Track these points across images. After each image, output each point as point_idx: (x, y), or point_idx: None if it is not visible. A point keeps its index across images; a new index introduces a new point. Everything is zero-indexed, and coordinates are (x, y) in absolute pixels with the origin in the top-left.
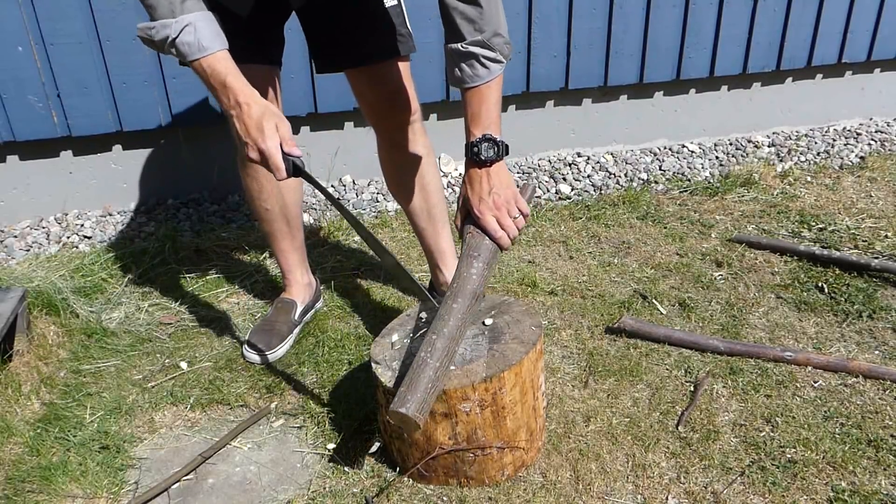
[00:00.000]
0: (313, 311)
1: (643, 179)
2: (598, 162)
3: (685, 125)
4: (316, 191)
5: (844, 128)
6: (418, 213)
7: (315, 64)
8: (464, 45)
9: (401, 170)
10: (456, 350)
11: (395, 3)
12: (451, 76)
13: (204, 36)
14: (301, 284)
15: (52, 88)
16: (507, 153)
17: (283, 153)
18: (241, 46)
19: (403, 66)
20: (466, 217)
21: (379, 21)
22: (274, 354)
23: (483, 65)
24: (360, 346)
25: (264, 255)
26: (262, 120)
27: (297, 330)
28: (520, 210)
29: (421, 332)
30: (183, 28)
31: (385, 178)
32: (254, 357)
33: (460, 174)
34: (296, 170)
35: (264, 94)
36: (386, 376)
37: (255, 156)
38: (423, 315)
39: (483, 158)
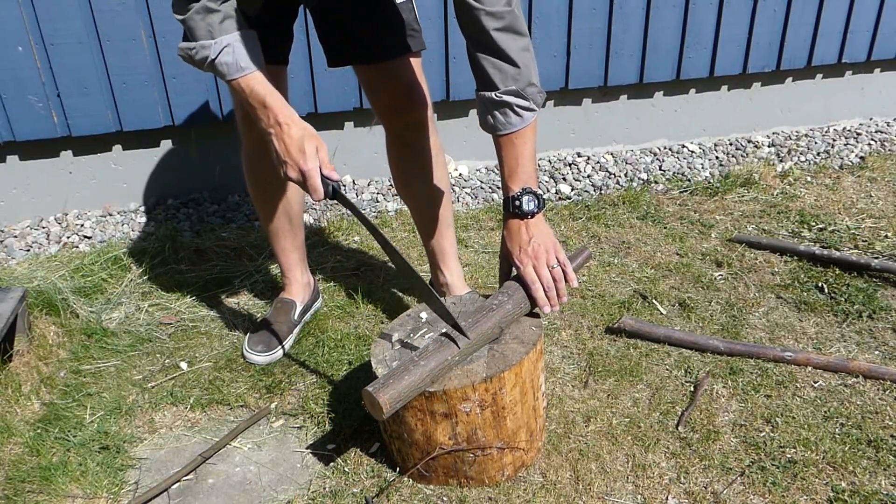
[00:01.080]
0: (312, 310)
1: (643, 179)
2: (598, 162)
3: (685, 125)
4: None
5: (844, 128)
6: (424, 212)
7: (327, 59)
8: (497, 95)
9: (410, 168)
10: (451, 369)
11: None
12: (484, 123)
13: (241, 56)
14: (300, 284)
15: (52, 88)
16: (545, 206)
17: (322, 176)
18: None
19: (416, 63)
20: (509, 273)
21: (390, 18)
22: (274, 354)
23: (517, 113)
24: (360, 346)
25: (264, 255)
26: (304, 142)
27: (296, 330)
28: (559, 261)
29: (421, 332)
30: (222, 49)
31: (393, 177)
32: (254, 357)
33: (460, 174)
34: (334, 193)
35: (278, 83)
36: None
37: (294, 175)
38: (424, 315)
39: (525, 211)
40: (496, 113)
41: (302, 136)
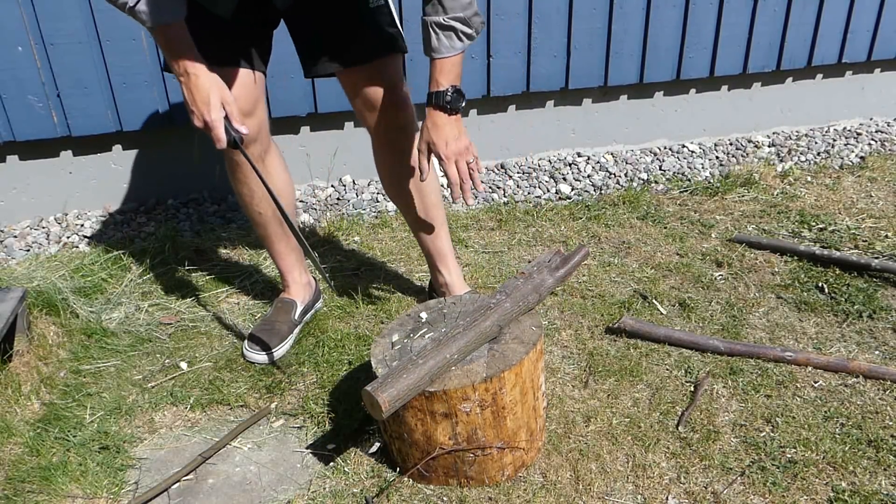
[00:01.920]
0: (313, 310)
1: (643, 179)
2: (598, 162)
3: (685, 125)
4: (316, 191)
5: (844, 128)
6: (416, 214)
7: (303, 69)
8: (446, 19)
9: (397, 171)
10: (451, 368)
11: (382, 2)
12: (427, 46)
13: (161, 6)
14: (300, 284)
15: (52, 88)
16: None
17: (228, 127)
18: (221, 48)
19: (394, 66)
20: (429, 160)
21: (364, 21)
22: (275, 354)
23: (460, 38)
24: (360, 346)
25: (264, 255)
26: (209, 93)
27: (297, 329)
28: (475, 157)
29: (421, 332)
30: None
31: (381, 181)
32: (255, 356)
33: None
34: (235, 144)
35: (244, 98)
36: None
37: (198, 124)
38: (424, 315)
39: (455, 107)
40: (441, 36)
41: (208, 88)
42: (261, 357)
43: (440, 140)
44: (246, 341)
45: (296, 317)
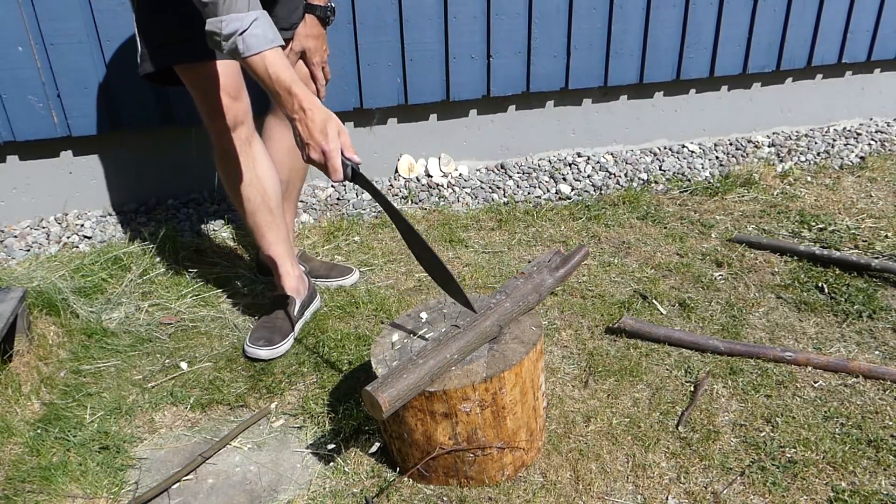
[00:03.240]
0: (312, 309)
1: (643, 179)
2: (598, 162)
3: (685, 125)
4: (316, 191)
5: (844, 128)
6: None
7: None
8: None
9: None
10: (451, 368)
11: None
12: None
13: (269, 29)
14: (293, 276)
15: (52, 88)
16: None
17: (343, 157)
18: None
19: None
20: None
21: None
22: (277, 350)
23: None
24: (360, 346)
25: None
26: (326, 125)
27: (298, 326)
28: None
29: (421, 332)
30: (253, 21)
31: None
32: (257, 352)
33: (460, 174)
34: (354, 174)
35: (231, 84)
36: None
37: (317, 157)
38: (424, 315)
39: (330, 22)
40: None
41: (325, 119)
42: (264, 353)
43: (317, 48)
44: (247, 338)
45: (295, 312)
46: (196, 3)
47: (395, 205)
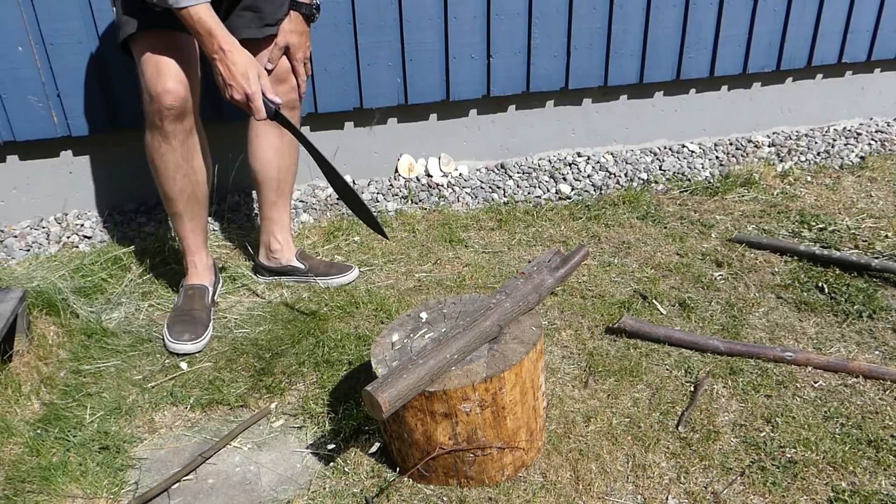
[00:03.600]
0: (217, 293)
1: (643, 179)
2: (598, 162)
3: (685, 125)
4: (316, 191)
5: (844, 128)
6: (273, 176)
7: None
8: None
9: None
10: (451, 368)
11: None
12: None
13: None
14: (206, 266)
15: (52, 88)
16: None
17: (265, 98)
18: (166, 12)
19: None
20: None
21: None
22: (202, 342)
23: None
24: (360, 346)
25: None
26: (247, 67)
27: (212, 315)
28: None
29: (421, 332)
30: None
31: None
32: (184, 347)
33: (460, 174)
34: (276, 114)
35: (188, 61)
36: None
37: (239, 97)
38: (424, 315)
39: (314, 18)
40: None
41: (245, 63)
42: (189, 347)
43: (300, 44)
44: (166, 332)
45: (209, 301)
46: None
47: (313, 142)
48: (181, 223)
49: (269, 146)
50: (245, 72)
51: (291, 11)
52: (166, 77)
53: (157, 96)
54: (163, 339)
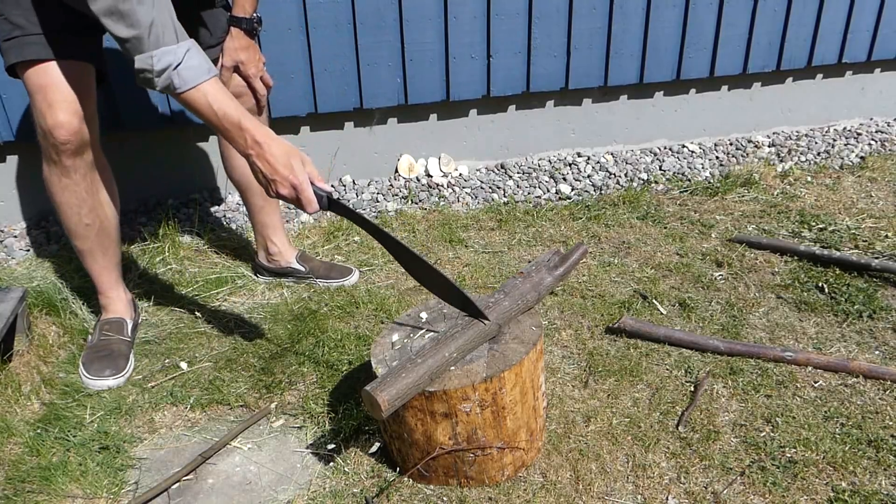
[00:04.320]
0: (136, 329)
1: (643, 179)
2: (598, 162)
3: (685, 125)
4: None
5: (844, 128)
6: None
7: None
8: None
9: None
10: (451, 367)
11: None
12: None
13: (203, 59)
14: (124, 301)
15: None
16: None
17: (315, 188)
18: (65, 41)
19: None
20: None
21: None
22: (124, 377)
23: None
24: (360, 346)
25: None
26: (288, 157)
27: (133, 349)
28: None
29: (421, 332)
30: (185, 52)
31: (227, 159)
32: (106, 384)
33: (460, 174)
34: (330, 203)
35: (83, 92)
36: None
37: (286, 192)
38: (424, 315)
39: (256, 31)
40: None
41: (285, 152)
42: (110, 383)
43: (250, 59)
44: (82, 369)
45: (128, 334)
46: (116, 41)
47: (378, 225)
48: (92, 261)
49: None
50: (287, 162)
51: (232, 28)
52: (57, 109)
53: (50, 130)
54: (80, 378)
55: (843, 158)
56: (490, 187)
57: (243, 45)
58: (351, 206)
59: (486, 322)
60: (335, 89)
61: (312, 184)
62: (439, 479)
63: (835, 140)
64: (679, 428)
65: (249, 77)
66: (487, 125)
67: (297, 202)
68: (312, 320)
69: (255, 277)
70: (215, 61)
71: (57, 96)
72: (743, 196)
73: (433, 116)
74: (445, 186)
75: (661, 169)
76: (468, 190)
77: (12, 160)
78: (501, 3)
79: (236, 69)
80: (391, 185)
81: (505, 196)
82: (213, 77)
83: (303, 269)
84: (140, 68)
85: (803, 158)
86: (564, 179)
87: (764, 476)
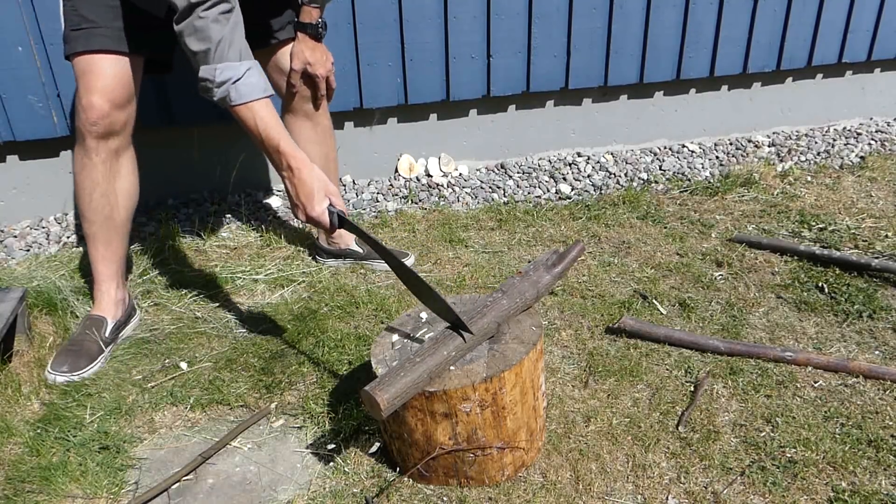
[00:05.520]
0: (128, 330)
1: (643, 179)
2: (598, 162)
3: (685, 125)
4: None
5: (844, 128)
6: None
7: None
8: None
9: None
10: (451, 367)
11: None
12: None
13: (262, 79)
14: (112, 299)
15: (52, 88)
16: None
17: (330, 207)
18: (126, 36)
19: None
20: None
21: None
22: (80, 376)
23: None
24: (360, 346)
25: (264, 255)
26: (313, 188)
27: (109, 349)
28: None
29: (421, 332)
30: (247, 70)
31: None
32: (57, 378)
33: (460, 174)
34: (340, 221)
35: (122, 100)
36: None
37: (303, 218)
38: (424, 315)
39: (321, 36)
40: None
41: (311, 183)
42: (63, 378)
43: (318, 61)
44: (50, 362)
45: (106, 334)
46: (186, 52)
47: (382, 243)
48: (94, 248)
49: (306, 140)
50: (310, 192)
51: (298, 33)
52: (93, 93)
53: (83, 109)
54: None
55: (843, 158)
56: (490, 187)
57: (310, 46)
58: (357, 224)
59: (469, 334)
60: (336, 89)
61: (331, 202)
62: (439, 479)
63: (835, 140)
64: (679, 428)
65: (318, 77)
66: (487, 125)
67: (316, 225)
68: (312, 320)
69: (315, 261)
70: (287, 41)
71: (97, 83)
72: (743, 196)
73: (433, 116)
74: (445, 186)
75: (661, 169)
76: (468, 190)
77: (12, 160)
78: (501, 3)
79: (304, 71)
80: (391, 184)
81: (505, 196)
82: (266, 98)
83: (361, 251)
84: (203, 77)
85: (803, 158)
86: (564, 179)
87: (764, 476)
